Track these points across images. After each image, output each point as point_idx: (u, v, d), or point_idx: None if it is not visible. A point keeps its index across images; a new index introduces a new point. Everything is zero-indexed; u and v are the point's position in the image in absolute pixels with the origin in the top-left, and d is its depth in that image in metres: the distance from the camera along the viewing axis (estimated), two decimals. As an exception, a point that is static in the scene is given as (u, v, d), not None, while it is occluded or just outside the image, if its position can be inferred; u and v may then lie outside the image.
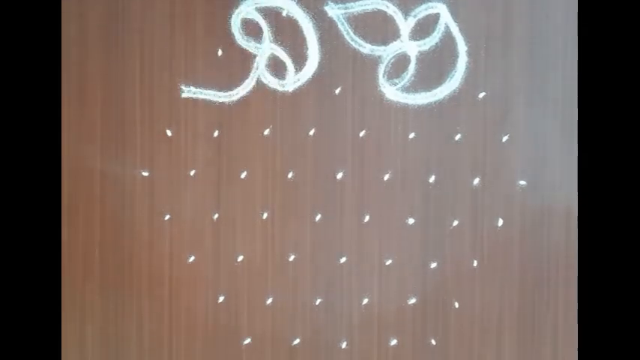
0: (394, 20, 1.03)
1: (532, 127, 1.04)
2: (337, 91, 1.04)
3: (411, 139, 1.05)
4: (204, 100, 1.05)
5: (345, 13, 1.03)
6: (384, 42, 1.03)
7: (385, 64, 1.04)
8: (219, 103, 1.05)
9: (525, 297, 1.05)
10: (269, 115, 1.05)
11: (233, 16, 1.04)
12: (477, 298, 1.05)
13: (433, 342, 1.06)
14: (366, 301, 1.06)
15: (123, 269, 1.07)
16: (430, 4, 1.03)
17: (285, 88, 1.04)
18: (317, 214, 1.06)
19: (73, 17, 1.04)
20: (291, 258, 1.06)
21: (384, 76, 1.04)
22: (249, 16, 1.04)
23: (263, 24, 1.04)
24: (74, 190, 1.06)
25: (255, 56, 1.04)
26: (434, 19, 1.03)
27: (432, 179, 1.05)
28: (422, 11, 1.03)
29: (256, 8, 1.04)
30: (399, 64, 1.04)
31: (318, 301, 1.06)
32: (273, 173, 1.05)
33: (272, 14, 1.04)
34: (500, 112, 1.04)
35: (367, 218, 1.05)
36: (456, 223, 1.05)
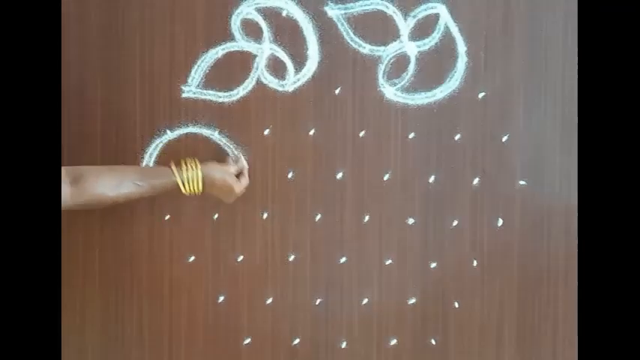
0: (394, 20, 1.03)
1: (532, 127, 1.04)
2: (337, 91, 1.04)
3: (411, 139, 1.05)
4: (204, 100, 1.05)
5: (345, 14, 1.03)
6: (384, 42, 1.04)
7: (385, 64, 1.04)
8: (219, 103, 1.05)
9: (525, 297, 1.05)
10: (269, 115, 1.05)
11: (233, 16, 1.04)
12: (477, 298, 1.05)
13: (433, 342, 1.06)
14: (366, 301, 1.06)
15: (123, 269, 1.07)
16: (430, 4, 1.03)
17: (285, 88, 1.04)
18: (317, 214, 1.06)
19: (73, 17, 1.04)
20: (291, 258, 1.06)
21: (383, 77, 1.04)
22: (249, 17, 1.04)
23: (263, 24, 1.04)
24: (74, 190, 1.06)
25: (255, 56, 1.04)
26: (433, 19, 1.03)
27: (432, 179, 1.05)
28: (421, 11, 1.03)
29: (256, 8, 1.04)
30: (399, 64, 1.04)
31: (318, 301, 1.07)
32: (273, 173, 1.05)
33: (272, 14, 1.04)
34: (500, 112, 1.04)
35: (367, 218, 1.06)
36: (455, 223, 1.05)
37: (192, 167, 0.94)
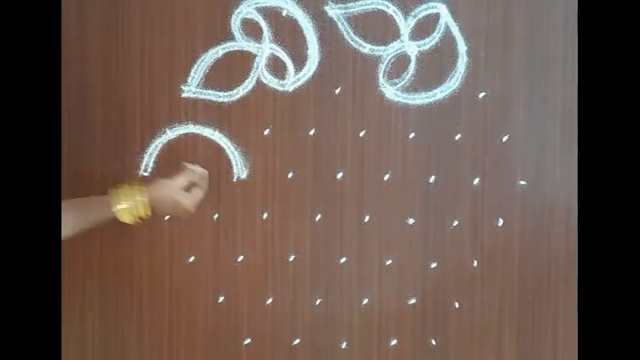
0: (394, 20, 1.03)
1: (532, 127, 1.04)
2: (337, 91, 1.04)
3: (411, 139, 1.05)
4: (204, 100, 1.05)
5: (345, 13, 1.03)
6: (384, 42, 1.04)
7: (385, 64, 1.04)
8: (219, 103, 1.05)
9: (525, 297, 1.05)
10: (269, 115, 1.05)
11: (233, 16, 1.04)
12: (477, 298, 1.05)
13: (433, 342, 1.06)
14: (366, 301, 1.06)
15: (123, 269, 1.06)
16: (430, 4, 1.03)
17: (285, 88, 1.04)
18: (317, 214, 1.06)
19: (73, 17, 1.04)
20: (291, 258, 1.06)
21: (383, 76, 1.04)
22: (249, 16, 1.04)
23: (263, 24, 1.04)
24: (74, 190, 1.06)
25: (255, 56, 1.04)
26: (434, 19, 1.03)
27: (432, 179, 1.05)
28: (422, 11, 1.03)
29: (256, 8, 1.04)
30: (399, 64, 1.04)
31: (318, 301, 1.06)
32: (273, 173, 1.05)
33: (272, 14, 1.04)
34: (500, 112, 1.04)
35: (367, 218, 1.05)
36: (456, 223, 1.05)
37: (134, 193, 0.89)
